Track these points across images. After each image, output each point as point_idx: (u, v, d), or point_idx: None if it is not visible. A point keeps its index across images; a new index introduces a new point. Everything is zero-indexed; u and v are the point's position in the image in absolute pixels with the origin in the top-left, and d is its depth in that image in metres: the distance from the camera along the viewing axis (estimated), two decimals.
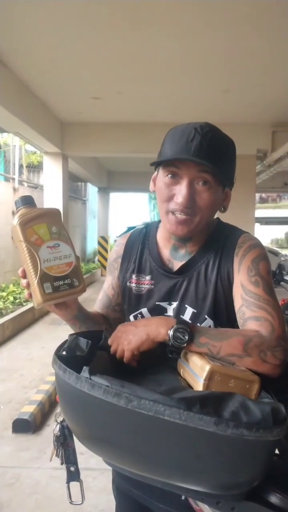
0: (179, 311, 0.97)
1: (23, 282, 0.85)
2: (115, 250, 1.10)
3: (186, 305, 0.96)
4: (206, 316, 0.94)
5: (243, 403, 0.62)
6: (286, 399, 0.70)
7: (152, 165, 0.95)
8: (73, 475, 0.90)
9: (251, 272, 0.90)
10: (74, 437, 0.84)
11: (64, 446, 0.89)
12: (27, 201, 0.87)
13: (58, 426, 0.89)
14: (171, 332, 0.78)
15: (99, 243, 12.74)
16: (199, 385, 0.72)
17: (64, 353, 0.79)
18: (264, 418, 0.60)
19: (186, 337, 0.77)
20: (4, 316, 5.52)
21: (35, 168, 10.54)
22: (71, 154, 7.20)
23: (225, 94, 5.19)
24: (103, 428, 0.66)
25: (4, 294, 6.38)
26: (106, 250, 12.36)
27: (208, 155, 0.85)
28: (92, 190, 13.75)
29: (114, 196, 14.36)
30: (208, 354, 0.77)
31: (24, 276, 0.85)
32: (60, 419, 0.90)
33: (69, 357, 0.76)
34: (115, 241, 1.15)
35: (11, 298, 6.25)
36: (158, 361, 0.86)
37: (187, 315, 0.96)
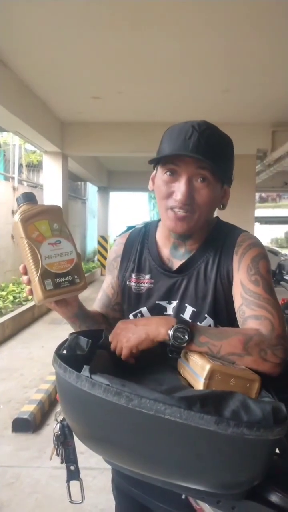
0: (179, 310, 0.97)
1: (24, 278, 0.85)
2: (115, 249, 1.10)
3: (186, 304, 0.96)
4: (206, 315, 0.94)
5: (244, 402, 0.62)
6: (286, 398, 0.69)
7: (150, 162, 0.94)
8: (73, 474, 0.90)
9: (251, 271, 0.90)
10: (74, 436, 0.84)
11: (64, 445, 0.89)
12: (29, 198, 0.87)
13: (58, 425, 0.89)
14: (171, 332, 0.78)
15: (99, 243, 12.74)
16: (199, 384, 0.72)
17: (64, 352, 0.79)
18: (264, 417, 0.60)
19: (186, 337, 0.77)
20: (4, 315, 5.51)
21: (35, 167, 10.53)
22: (71, 154, 7.21)
23: (225, 94, 5.19)
24: (104, 427, 0.66)
25: (4, 293, 6.38)
26: (105, 250, 12.35)
27: (206, 152, 0.85)
28: (92, 190, 13.74)
29: (114, 196, 14.34)
30: (208, 353, 0.77)
31: (25, 272, 0.85)
32: (60, 418, 0.90)
33: (69, 356, 0.76)
34: (114, 240, 1.14)
35: (11, 298, 6.24)
36: (158, 360, 0.86)
37: (187, 314, 0.96)
